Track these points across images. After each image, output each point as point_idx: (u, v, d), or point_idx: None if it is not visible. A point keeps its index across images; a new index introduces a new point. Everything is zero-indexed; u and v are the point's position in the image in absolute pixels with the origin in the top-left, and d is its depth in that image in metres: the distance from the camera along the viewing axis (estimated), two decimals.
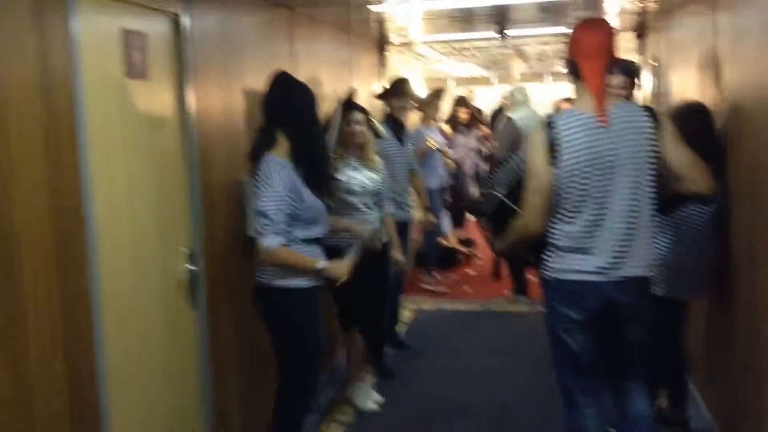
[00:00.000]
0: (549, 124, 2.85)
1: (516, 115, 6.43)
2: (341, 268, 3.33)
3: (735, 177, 3.42)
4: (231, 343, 3.40)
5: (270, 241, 3.07)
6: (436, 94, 6.65)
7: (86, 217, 2.29)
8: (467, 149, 8.19)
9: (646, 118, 2.85)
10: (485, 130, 8.94)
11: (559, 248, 2.89)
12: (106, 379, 2.38)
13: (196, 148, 3.04)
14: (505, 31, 5.91)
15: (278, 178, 3.07)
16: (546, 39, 7.95)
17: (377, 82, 6.74)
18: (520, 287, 6.67)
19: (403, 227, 5.08)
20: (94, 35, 2.40)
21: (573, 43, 2.87)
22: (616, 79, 4.04)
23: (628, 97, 4.15)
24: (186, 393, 3.05)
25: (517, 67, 10.93)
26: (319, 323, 3.32)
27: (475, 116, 8.64)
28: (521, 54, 9.79)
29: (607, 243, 2.82)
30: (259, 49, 3.83)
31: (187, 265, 3.01)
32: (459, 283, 7.48)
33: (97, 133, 2.37)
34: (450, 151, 7.43)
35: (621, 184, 2.79)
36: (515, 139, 6.16)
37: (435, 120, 6.80)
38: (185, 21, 2.97)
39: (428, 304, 6.74)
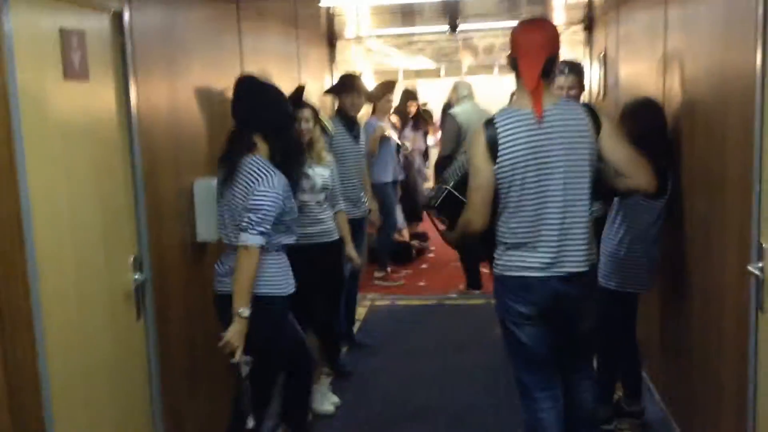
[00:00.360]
0: (490, 122, 2.89)
1: (458, 110, 6.46)
2: (232, 335, 2.98)
3: (688, 171, 3.44)
4: (181, 352, 3.28)
5: (255, 239, 2.98)
6: (388, 87, 6.58)
7: (25, 229, 2.15)
8: (416, 143, 8.19)
9: (584, 116, 2.89)
10: (431, 124, 8.97)
11: (505, 245, 2.95)
12: (50, 392, 2.25)
13: (140, 150, 2.90)
14: (456, 25, 5.87)
15: (277, 179, 3.04)
16: (495, 32, 7.96)
17: (327, 76, 6.64)
18: (474, 281, 6.67)
19: (358, 224, 5.01)
20: (30, 36, 2.25)
21: (513, 42, 2.91)
22: (568, 80, 4.09)
23: (577, 96, 4.17)
24: (135, 405, 2.93)
25: (466, 59, 10.94)
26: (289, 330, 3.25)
27: (420, 112, 8.62)
28: (470, 47, 9.79)
29: (548, 239, 2.87)
30: (205, 44, 3.70)
31: (133, 273, 2.88)
32: (413, 278, 7.45)
33: (34, 139, 2.23)
34: (406, 142, 7.44)
35: (558, 181, 2.84)
36: (457, 134, 6.22)
37: (386, 113, 6.75)
38: (127, 17, 2.83)
39: (382, 300, 6.69)
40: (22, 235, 2.15)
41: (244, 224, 3.00)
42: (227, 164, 3.14)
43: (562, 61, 4.04)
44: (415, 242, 8.26)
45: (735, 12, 2.82)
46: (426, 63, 12.81)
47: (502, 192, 2.89)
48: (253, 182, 3.03)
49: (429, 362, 5.10)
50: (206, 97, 3.63)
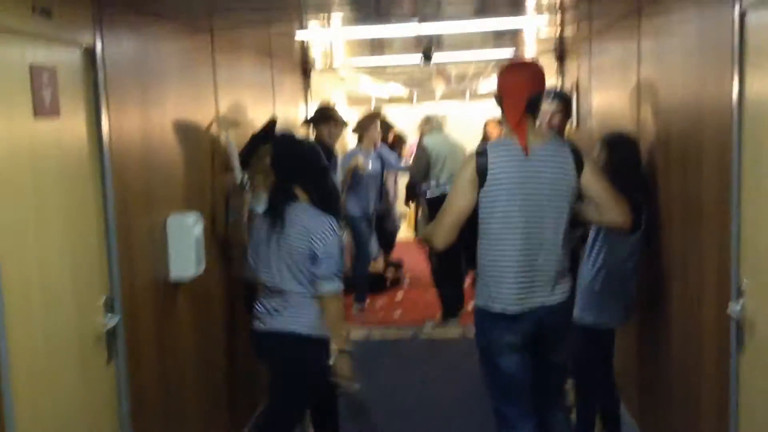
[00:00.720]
0: (482, 152, 2.97)
1: (429, 140, 6.67)
2: (346, 370, 3.32)
3: (665, 205, 3.45)
4: (154, 395, 3.18)
5: (339, 285, 3.25)
6: (373, 118, 6.64)
7: None
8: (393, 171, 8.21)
9: (569, 156, 3.01)
10: (403, 149, 8.99)
11: (489, 275, 3.01)
12: None
13: (112, 186, 2.83)
14: (430, 57, 5.87)
15: (332, 221, 3.28)
16: (468, 62, 7.99)
17: (301, 104, 6.61)
18: (450, 309, 6.64)
19: None
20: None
21: (498, 83, 3.09)
22: (552, 105, 4.24)
23: (563, 122, 4.34)
24: None
25: (439, 87, 11.00)
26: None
27: (397, 141, 8.64)
28: (443, 74, 9.84)
29: (531, 271, 2.96)
30: (179, 76, 3.65)
31: (104, 315, 2.79)
32: (388, 308, 7.38)
33: (3, 179, 2.15)
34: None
35: (540, 215, 2.95)
36: (426, 163, 6.44)
37: (372, 143, 6.75)
38: (99, 51, 2.77)
39: (356, 333, 6.60)
40: None
41: (324, 274, 3.20)
42: (274, 213, 3.33)
43: (549, 89, 4.21)
44: (390, 270, 8.21)
45: (710, 43, 2.83)
46: (398, 90, 12.88)
47: (483, 220, 2.97)
48: (313, 230, 3.22)
49: (405, 396, 5.04)
50: (180, 130, 3.57)
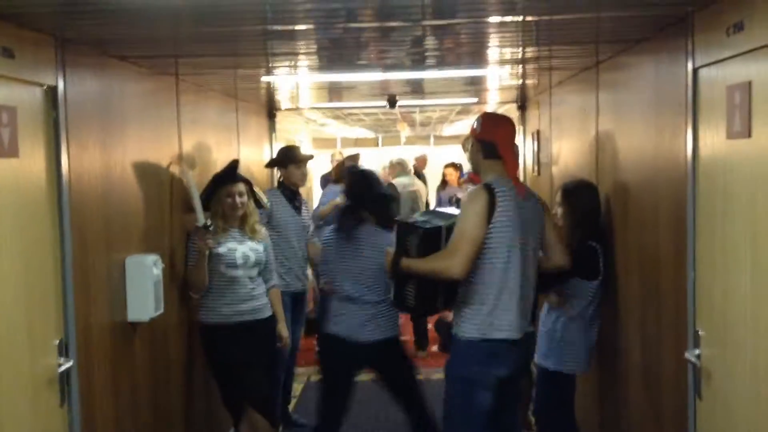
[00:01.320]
0: (489, 187, 3.10)
1: (397, 181, 7.50)
2: None
3: (622, 253, 3.50)
4: None
5: None
6: (354, 159, 6.78)
7: None
8: None
9: (538, 199, 3.34)
10: None
11: (483, 307, 3.08)
12: None
13: (70, 226, 2.78)
14: (395, 101, 5.95)
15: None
16: (433, 108, 8.12)
17: (266, 146, 6.62)
18: (421, 340, 6.81)
19: (299, 297, 4.94)
20: None
21: (493, 130, 3.26)
22: None
23: None
24: None
25: (404, 131, 11.12)
26: None
27: None
28: (408, 119, 9.96)
29: (518, 303, 3.10)
30: (142, 117, 3.63)
31: (58, 358, 2.72)
32: None
33: None
34: None
35: (528, 251, 3.14)
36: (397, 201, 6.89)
37: None
38: (61, 91, 2.76)
39: (318, 375, 6.51)
40: None
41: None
42: (347, 234, 3.90)
43: None
44: None
45: (665, 98, 2.92)
46: (364, 132, 13.00)
47: (490, 251, 3.06)
48: (385, 246, 3.56)
49: None
50: (141, 171, 3.55)
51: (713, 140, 2.45)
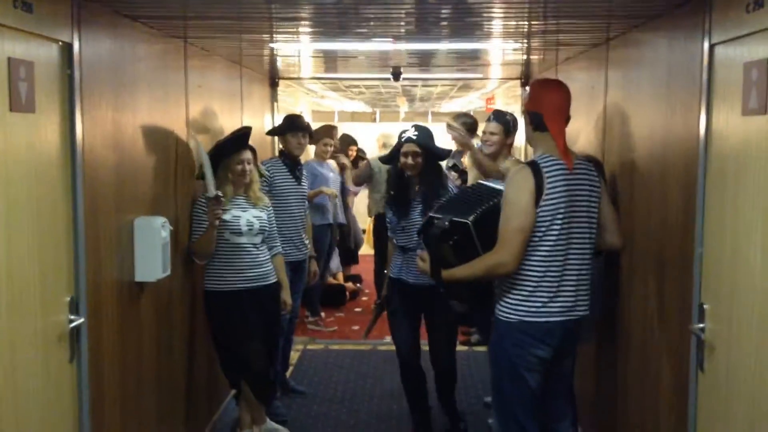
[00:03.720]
0: (535, 165, 2.97)
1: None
2: None
3: (627, 229, 3.53)
4: (114, 395, 3.12)
5: None
6: (327, 131, 6.61)
7: None
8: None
9: (595, 173, 3.17)
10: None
11: (529, 289, 3.00)
12: None
13: (82, 187, 2.79)
14: (400, 74, 5.94)
15: None
16: (435, 82, 8.10)
17: (267, 115, 6.60)
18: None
19: (299, 267, 4.95)
20: None
21: (539, 99, 3.13)
22: (490, 126, 4.48)
23: (500, 142, 4.48)
24: None
25: (404, 106, 11.09)
26: None
27: (359, 157, 8.68)
28: (408, 94, 9.94)
29: (570, 284, 3.02)
30: (152, 80, 3.62)
31: (68, 315, 2.74)
32: (345, 322, 7.38)
33: None
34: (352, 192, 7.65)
35: (580, 228, 3.04)
36: (369, 175, 7.04)
37: (323, 156, 6.75)
38: (77, 49, 2.75)
39: (315, 345, 6.58)
40: None
41: None
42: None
43: (493, 111, 4.67)
44: (349, 284, 8.21)
45: (678, 75, 2.93)
46: (362, 107, 12.95)
47: (536, 236, 2.95)
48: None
49: (366, 409, 5.04)
50: (150, 133, 3.55)
51: (727, 117, 2.47)
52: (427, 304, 4.16)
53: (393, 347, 6.34)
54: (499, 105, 8.90)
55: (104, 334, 3.01)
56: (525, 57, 5.42)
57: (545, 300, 3.00)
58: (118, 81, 3.21)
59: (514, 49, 4.92)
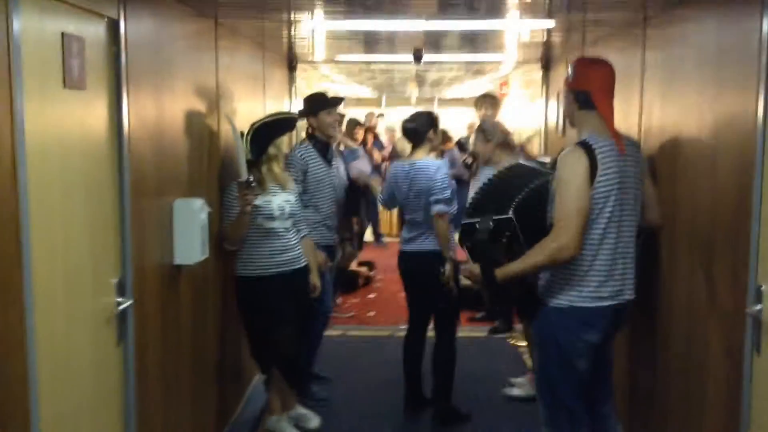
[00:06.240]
0: (587, 146, 2.92)
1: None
2: None
3: (671, 211, 3.49)
4: (156, 378, 3.09)
5: None
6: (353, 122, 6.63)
7: (24, 253, 1.99)
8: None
9: (639, 150, 3.13)
10: (377, 154, 9.00)
11: (580, 273, 2.96)
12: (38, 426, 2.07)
13: (129, 169, 2.74)
14: (421, 56, 5.88)
15: None
16: (450, 65, 8.03)
17: (286, 99, 6.54)
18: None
19: (330, 251, 4.82)
20: (36, 38, 2.10)
21: (585, 77, 3.07)
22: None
23: (487, 151, 4.83)
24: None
25: (414, 91, 11.02)
26: None
27: (366, 137, 8.64)
28: (419, 78, 9.87)
29: (619, 268, 2.99)
30: (187, 60, 3.57)
31: (116, 297, 2.70)
32: (361, 307, 7.35)
33: (35, 152, 2.07)
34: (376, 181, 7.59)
35: (628, 211, 3.00)
36: None
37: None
38: (122, 25, 2.69)
39: (333, 331, 6.54)
40: (21, 258, 1.99)
41: None
42: None
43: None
44: (363, 268, 8.18)
45: (731, 57, 2.87)
46: (368, 92, 12.87)
47: (589, 219, 2.90)
48: None
49: (389, 395, 5.00)
50: (187, 115, 3.50)
51: None
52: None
53: None
54: (515, 89, 8.85)
55: (148, 317, 2.98)
56: (545, 38, 5.36)
57: (596, 285, 2.96)
58: (159, 60, 3.16)
59: (533, 30, 4.84)
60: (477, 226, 3.15)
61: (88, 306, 2.50)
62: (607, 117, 3.01)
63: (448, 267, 4.25)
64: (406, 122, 4.48)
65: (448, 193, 4.25)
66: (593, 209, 2.90)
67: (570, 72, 3.15)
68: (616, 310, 3.03)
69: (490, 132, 4.80)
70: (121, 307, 2.70)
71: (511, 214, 3.05)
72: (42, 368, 2.12)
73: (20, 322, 1.99)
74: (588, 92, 3.02)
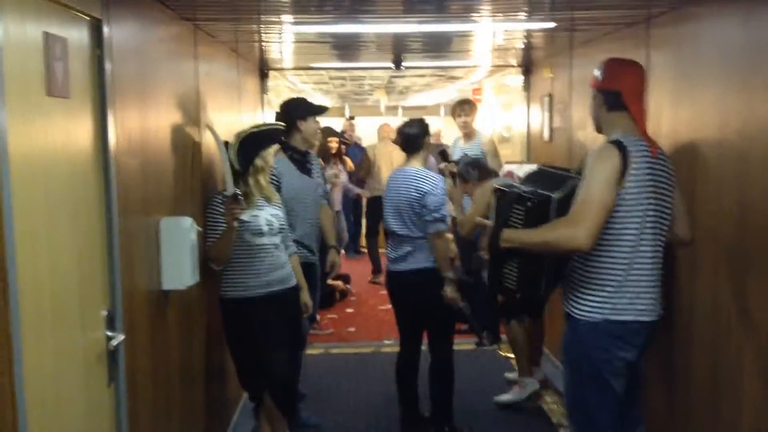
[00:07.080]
0: (622, 146, 2.76)
1: None
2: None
3: (695, 218, 3.31)
4: (148, 418, 2.78)
5: None
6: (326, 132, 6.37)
7: (9, 286, 1.69)
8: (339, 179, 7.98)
9: (669, 157, 2.94)
10: (350, 162, 8.78)
11: (614, 284, 2.76)
12: None
13: (115, 186, 2.45)
14: (401, 61, 5.68)
15: None
16: (422, 71, 7.83)
17: (258, 108, 6.25)
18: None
19: (312, 269, 4.47)
20: (18, 40, 1.81)
21: (617, 77, 2.94)
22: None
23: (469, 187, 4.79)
24: None
25: (383, 100, 10.82)
26: None
27: (342, 145, 8.41)
28: (388, 86, 9.67)
29: (654, 279, 2.82)
30: (169, 67, 3.29)
31: (105, 331, 2.40)
32: (340, 323, 7.08)
33: (19, 172, 1.78)
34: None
35: (661, 217, 2.82)
36: None
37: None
38: (106, 27, 2.40)
39: (314, 349, 6.26)
40: (7, 288, 1.69)
41: None
42: None
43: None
44: (338, 282, 7.91)
45: (762, 55, 2.71)
46: (330, 102, 12.63)
47: (616, 223, 2.72)
48: None
49: (382, 415, 4.75)
50: (170, 125, 3.21)
51: None
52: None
53: (396, 348, 6.13)
54: (489, 96, 8.69)
55: (139, 352, 2.68)
56: (525, 41, 5.17)
57: (632, 296, 2.76)
58: (142, 67, 2.87)
59: (507, 31, 4.63)
60: (522, 193, 2.94)
61: (78, 342, 2.20)
62: (639, 118, 2.89)
63: (448, 289, 4.08)
64: (406, 128, 4.25)
65: (444, 211, 4.05)
66: (621, 207, 2.72)
67: (599, 72, 3.00)
68: (652, 326, 2.84)
69: (465, 173, 4.73)
70: (113, 342, 2.39)
71: (554, 195, 2.88)
72: (31, 416, 1.82)
73: (9, 366, 1.69)
74: (619, 93, 2.90)
